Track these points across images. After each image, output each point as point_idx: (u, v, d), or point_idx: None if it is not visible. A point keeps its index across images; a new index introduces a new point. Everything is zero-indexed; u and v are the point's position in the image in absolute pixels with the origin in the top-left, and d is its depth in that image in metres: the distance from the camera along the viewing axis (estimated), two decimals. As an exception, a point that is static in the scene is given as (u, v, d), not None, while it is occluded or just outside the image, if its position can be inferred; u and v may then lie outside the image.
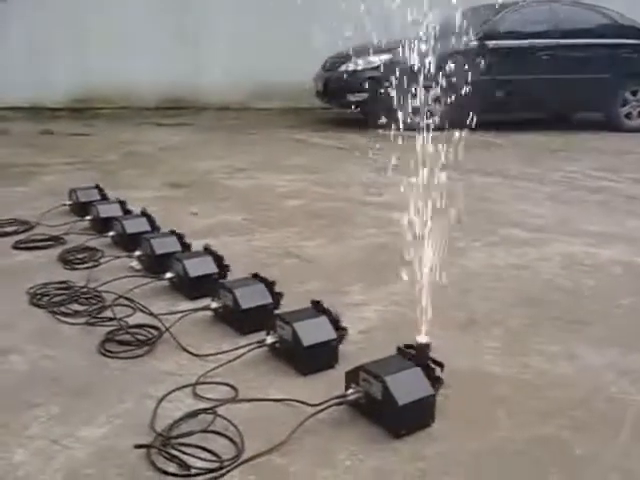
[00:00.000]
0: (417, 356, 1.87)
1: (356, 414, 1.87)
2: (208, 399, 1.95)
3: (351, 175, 5.71)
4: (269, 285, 2.52)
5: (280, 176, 5.54)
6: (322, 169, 5.96)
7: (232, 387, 2.03)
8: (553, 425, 1.84)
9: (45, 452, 1.70)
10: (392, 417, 1.76)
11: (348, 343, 2.29)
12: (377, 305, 2.75)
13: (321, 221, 4.13)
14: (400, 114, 9.19)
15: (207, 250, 2.90)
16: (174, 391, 1.99)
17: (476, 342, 2.38)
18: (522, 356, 2.27)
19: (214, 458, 1.67)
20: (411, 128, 9.04)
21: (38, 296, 2.72)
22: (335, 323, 2.19)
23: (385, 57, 8.18)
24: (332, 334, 2.15)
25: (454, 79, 8.05)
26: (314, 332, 2.13)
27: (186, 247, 3.11)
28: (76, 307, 2.64)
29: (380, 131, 8.66)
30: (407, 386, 1.78)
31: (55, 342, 2.33)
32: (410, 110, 8.66)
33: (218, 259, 2.86)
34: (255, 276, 2.57)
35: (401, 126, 9.00)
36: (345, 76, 8.46)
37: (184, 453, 1.66)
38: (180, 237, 3.14)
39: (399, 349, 1.93)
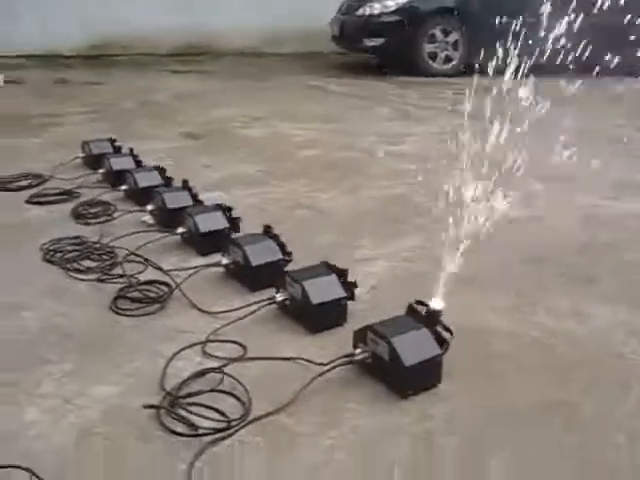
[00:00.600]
0: (427, 319, 1.86)
1: (364, 373, 1.87)
2: (217, 357, 1.97)
3: (367, 124, 5.63)
4: (279, 241, 2.51)
5: (296, 125, 5.47)
6: (338, 118, 5.88)
7: (241, 345, 2.04)
8: (561, 385, 1.83)
9: (57, 411, 1.73)
10: (399, 378, 1.77)
11: (357, 301, 2.28)
12: (387, 260, 2.73)
13: (335, 172, 4.09)
14: (419, 59, 9.04)
15: (218, 205, 2.88)
16: (184, 349, 2.01)
17: (481, 301, 2.36)
18: (529, 314, 2.25)
19: (222, 418, 1.68)
20: (428, 74, 8.89)
21: (51, 252, 2.74)
22: (344, 281, 2.18)
23: (402, 1, 7.97)
24: (341, 292, 2.15)
25: (473, 23, 7.86)
26: (323, 290, 2.12)
27: (198, 201, 3.09)
28: (88, 263, 2.65)
29: (397, 77, 8.53)
30: (414, 347, 1.78)
31: (67, 299, 2.35)
32: (427, 55, 8.50)
33: (229, 213, 2.84)
34: (266, 231, 2.56)
35: (419, 71, 8.85)
36: (362, 20, 8.27)
37: (192, 413, 1.67)
38: (192, 191, 3.13)
39: (410, 307, 1.92)
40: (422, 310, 1.89)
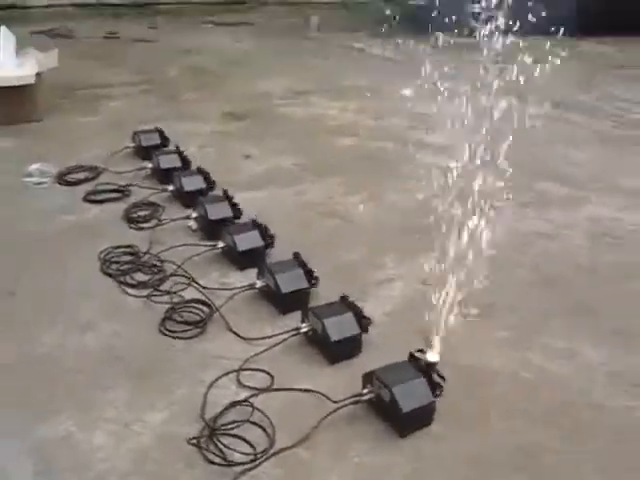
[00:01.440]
0: (425, 368, 2.20)
1: (369, 410, 2.23)
2: (248, 387, 2.34)
3: (406, 102, 5.75)
4: (307, 269, 2.84)
5: (336, 103, 5.67)
6: (378, 92, 6.01)
7: (269, 374, 2.41)
8: (539, 432, 2.16)
9: (118, 435, 2.14)
10: (397, 420, 2.13)
11: (373, 327, 2.61)
12: (405, 282, 3.03)
13: (368, 168, 4.34)
14: (465, 19, 8.98)
15: (255, 223, 3.21)
16: (221, 377, 2.39)
17: (488, 333, 2.68)
18: (526, 351, 2.56)
19: (250, 450, 2.07)
20: (471, 34, 8.85)
21: (107, 263, 3.12)
22: (359, 317, 2.52)
23: (450, -45, 7.91)
24: (356, 329, 2.49)
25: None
26: (341, 327, 2.47)
27: (237, 212, 3.43)
28: (140, 276, 3.02)
29: (442, 38, 8.53)
30: (411, 395, 2.13)
31: (121, 317, 2.74)
32: (472, 15, 8.46)
33: (264, 231, 3.18)
34: (296, 257, 2.89)
35: (464, 33, 8.81)
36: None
37: (225, 446, 2.07)
38: (231, 201, 3.46)
39: (411, 355, 2.26)
40: (421, 358, 2.23)
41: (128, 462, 2.04)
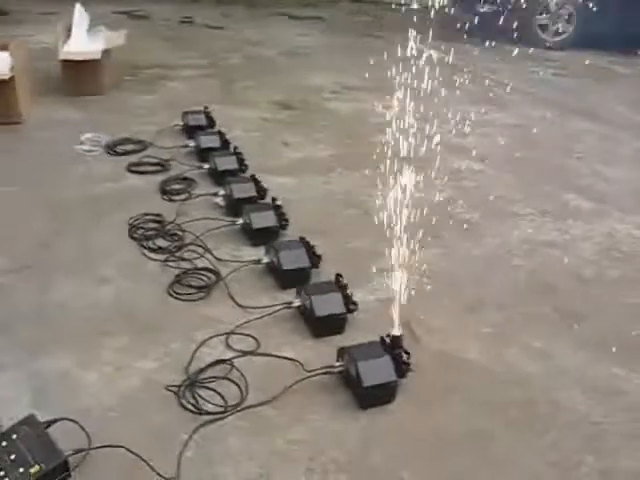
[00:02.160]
0: (391, 345, 2.37)
1: (339, 382, 2.42)
2: (234, 349, 2.56)
3: (451, 105, 5.86)
4: (310, 249, 3.04)
5: (383, 102, 5.81)
6: (426, 94, 6.12)
7: (256, 340, 2.62)
8: (492, 421, 2.30)
9: (110, 376, 2.40)
10: (360, 393, 2.31)
11: (362, 311, 2.79)
12: (405, 272, 3.18)
13: (398, 165, 4.49)
14: (529, 30, 9.06)
15: (272, 204, 3.43)
16: (212, 338, 2.62)
17: (472, 326, 2.81)
18: (504, 347, 2.69)
19: (222, 403, 2.29)
20: (536, 45, 8.91)
21: (134, 228, 3.39)
22: (347, 299, 2.70)
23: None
24: (342, 309, 2.68)
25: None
26: (326, 305, 2.66)
27: (261, 193, 3.65)
28: (161, 242, 3.28)
29: (502, 45, 8.56)
30: (375, 371, 2.30)
31: (137, 276, 3.01)
32: (539, 26, 8.47)
33: (280, 212, 3.39)
34: (301, 239, 3.09)
35: (527, 42, 8.83)
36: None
37: (200, 397, 2.29)
38: (258, 182, 3.69)
39: (381, 338, 2.43)
40: (389, 341, 2.40)
41: (112, 399, 2.29)
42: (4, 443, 1.99)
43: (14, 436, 2.01)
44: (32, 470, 1.91)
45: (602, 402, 2.39)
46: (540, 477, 2.07)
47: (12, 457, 1.95)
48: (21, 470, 1.92)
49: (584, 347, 2.69)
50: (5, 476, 1.91)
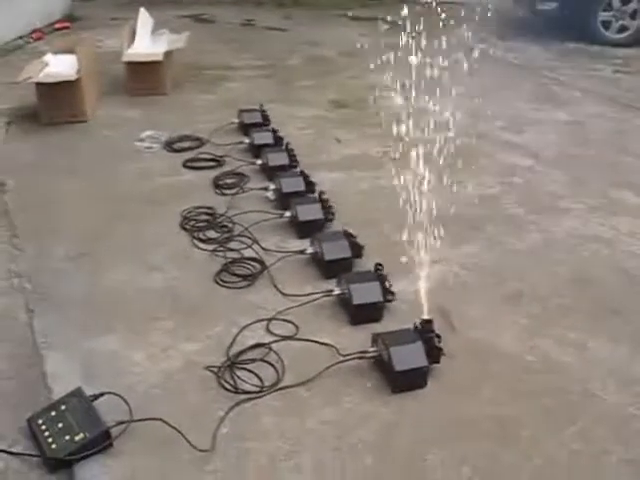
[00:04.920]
0: (423, 331, 2.42)
1: (372, 367, 2.48)
2: (274, 334, 2.66)
3: (507, 103, 5.84)
4: (353, 240, 3.11)
5: (438, 101, 5.82)
6: (483, 92, 6.09)
7: (295, 325, 2.71)
8: (521, 408, 2.32)
9: (155, 357, 2.53)
10: (391, 377, 2.37)
11: (401, 301, 2.85)
12: (444, 266, 3.22)
13: (446, 162, 4.50)
14: (591, 27, 8.89)
15: (319, 197, 3.52)
16: (254, 323, 2.72)
17: (509, 317, 2.83)
18: (539, 338, 2.70)
19: (258, 383, 2.39)
20: (599, 42, 8.71)
21: (186, 220, 3.54)
22: (386, 289, 2.76)
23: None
24: (379, 297, 2.74)
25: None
26: (365, 293, 2.73)
27: (310, 187, 3.75)
28: (211, 233, 3.42)
29: (562, 43, 8.41)
30: (406, 356, 2.36)
31: (186, 265, 3.15)
32: (600, 23, 8.31)
33: (327, 207, 3.47)
34: (345, 231, 3.17)
35: (589, 39, 8.65)
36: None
37: (238, 377, 2.40)
38: (306, 177, 3.78)
39: (415, 325, 2.49)
40: (421, 326, 2.45)
41: (156, 378, 2.42)
42: (53, 413, 2.14)
43: (62, 407, 2.16)
44: (77, 438, 2.05)
45: (636, 395, 2.37)
46: (562, 464, 2.07)
47: (60, 425, 2.10)
48: (67, 437, 2.06)
49: (621, 341, 2.67)
50: (53, 442, 2.06)
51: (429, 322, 2.42)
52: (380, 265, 2.86)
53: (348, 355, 2.48)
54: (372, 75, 6.49)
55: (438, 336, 2.42)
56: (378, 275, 2.81)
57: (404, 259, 2.95)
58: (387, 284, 2.78)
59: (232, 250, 3.26)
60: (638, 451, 2.12)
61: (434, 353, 2.41)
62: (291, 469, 2.05)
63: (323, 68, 6.81)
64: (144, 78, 5.57)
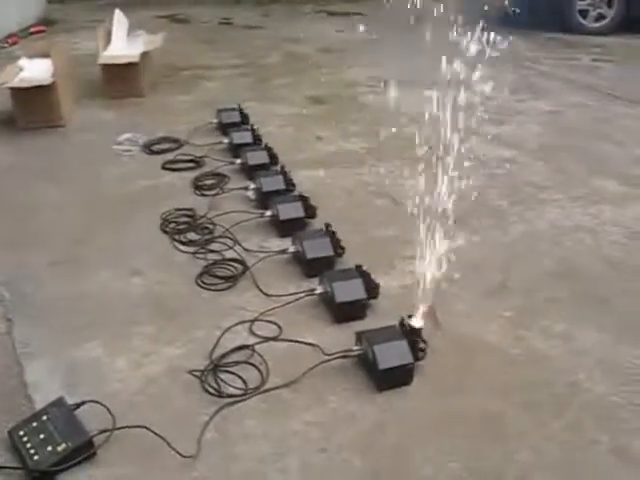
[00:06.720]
0: (410, 333, 2.40)
1: (357, 365, 2.47)
2: (257, 335, 2.63)
3: (489, 92, 5.76)
4: (335, 240, 3.09)
5: (418, 95, 5.81)
6: (463, 81, 6.08)
7: (279, 326, 2.69)
8: (507, 402, 2.31)
9: (137, 362, 2.50)
10: (376, 376, 2.35)
11: (385, 297, 2.83)
12: (429, 260, 3.20)
13: (430, 153, 4.48)
14: (569, 16, 8.92)
15: (299, 195, 3.49)
16: (236, 325, 2.69)
17: (493, 310, 2.82)
18: (524, 330, 2.69)
19: (242, 386, 2.36)
20: (578, 31, 8.74)
21: (166, 222, 3.50)
22: (369, 285, 2.74)
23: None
24: (362, 295, 2.72)
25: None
26: (348, 291, 2.71)
27: (290, 186, 3.72)
28: (192, 235, 3.38)
29: (542, 33, 8.41)
30: (391, 354, 2.34)
31: (167, 268, 3.11)
32: (579, 12, 8.33)
33: (307, 206, 3.45)
34: (327, 228, 3.15)
35: (568, 29, 8.68)
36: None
37: (222, 380, 2.37)
38: (286, 175, 3.76)
39: (400, 321, 2.47)
40: (408, 324, 2.43)
41: (139, 384, 2.38)
42: (35, 423, 2.11)
43: (44, 417, 2.12)
44: (59, 448, 2.02)
45: (622, 384, 2.36)
46: (551, 456, 2.07)
47: (41, 436, 2.06)
48: (49, 448, 2.03)
49: (607, 330, 2.66)
50: (35, 454, 2.03)
51: (418, 330, 2.40)
52: (360, 267, 2.83)
53: (332, 354, 2.45)
54: (350, 71, 6.51)
55: (424, 341, 2.40)
56: (361, 272, 2.78)
57: (388, 255, 2.95)
58: (371, 279, 2.75)
59: (213, 252, 3.22)
60: (626, 439, 2.11)
61: (419, 350, 2.39)
62: (277, 472, 2.03)
63: (300, 65, 6.79)
64: (121, 80, 5.52)
